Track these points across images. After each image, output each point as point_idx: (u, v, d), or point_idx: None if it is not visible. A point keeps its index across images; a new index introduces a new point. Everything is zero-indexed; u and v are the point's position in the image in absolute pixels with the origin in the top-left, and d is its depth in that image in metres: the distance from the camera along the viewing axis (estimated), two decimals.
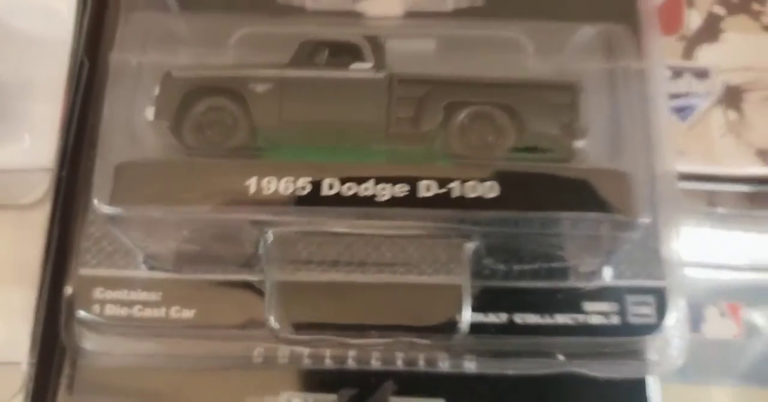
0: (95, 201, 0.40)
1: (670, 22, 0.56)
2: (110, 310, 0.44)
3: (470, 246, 0.40)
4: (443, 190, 0.38)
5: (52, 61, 0.49)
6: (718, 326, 0.52)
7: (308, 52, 0.44)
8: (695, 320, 0.52)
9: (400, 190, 0.38)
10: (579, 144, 0.42)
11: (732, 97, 0.55)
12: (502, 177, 0.39)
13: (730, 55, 0.56)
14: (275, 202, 0.39)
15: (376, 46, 0.44)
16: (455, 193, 0.38)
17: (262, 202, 0.39)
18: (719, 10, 0.56)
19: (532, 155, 0.42)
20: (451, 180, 0.39)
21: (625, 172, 0.40)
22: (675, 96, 0.55)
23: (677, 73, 0.55)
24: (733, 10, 0.56)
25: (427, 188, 0.39)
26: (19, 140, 0.48)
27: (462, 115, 0.42)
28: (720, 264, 0.53)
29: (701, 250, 0.53)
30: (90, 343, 0.45)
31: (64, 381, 0.47)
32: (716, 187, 0.53)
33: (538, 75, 0.43)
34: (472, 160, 0.42)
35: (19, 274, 0.46)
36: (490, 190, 0.38)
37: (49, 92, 0.48)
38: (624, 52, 0.45)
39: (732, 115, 0.54)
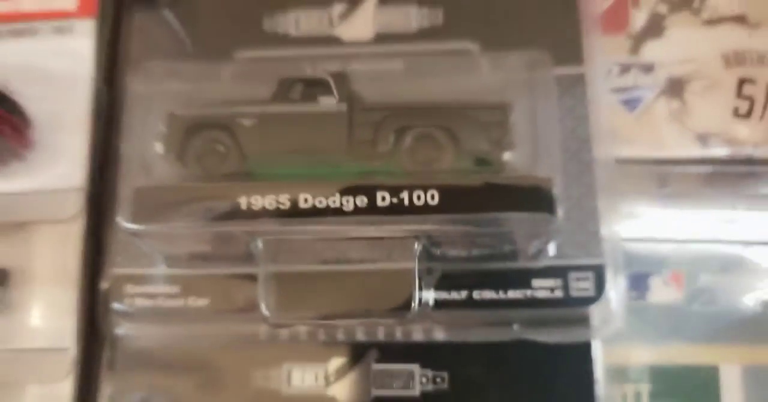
0: (120, 219, 0.45)
1: (618, 22, 0.58)
2: (139, 301, 0.49)
3: (419, 244, 0.45)
4: (395, 200, 0.43)
5: (78, 94, 0.52)
6: (661, 293, 0.55)
7: (286, 88, 0.48)
8: (641, 289, 0.55)
9: (361, 201, 0.43)
10: (508, 156, 0.46)
11: (675, 88, 0.57)
12: (441, 187, 0.43)
13: (673, 49, 0.57)
14: (262, 216, 0.44)
15: (341, 80, 0.48)
16: (405, 202, 0.43)
17: (251, 216, 0.44)
18: (662, 9, 0.58)
19: (468, 167, 0.46)
20: (401, 191, 0.43)
21: (542, 177, 0.44)
22: (623, 89, 0.57)
23: (625, 69, 0.57)
24: (675, 7, 0.58)
25: (382, 198, 0.43)
26: (56, 165, 0.51)
27: (409, 137, 0.47)
28: (664, 238, 0.56)
29: (650, 225, 0.56)
30: (124, 329, 0.49)
31: (105, 362, 0.50)
32: (663, 170, 0.56)
33: (473, 97, 0.47)
34: (419, 173, 0.46)
35: (62, 276, 0.50)
36: (432, 198, 0.43)
37: (77, 122, 0.52)
38: (546, 72, 0.49)
39: (675, 104, 0.56)
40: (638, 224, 0.56)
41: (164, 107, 0.48)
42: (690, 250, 0.56)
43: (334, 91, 0.48)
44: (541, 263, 0.49)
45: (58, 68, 0.53)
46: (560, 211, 0.44)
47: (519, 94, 0.48)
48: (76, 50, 0.53)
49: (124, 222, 0.45)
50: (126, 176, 0.48)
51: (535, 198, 0.43)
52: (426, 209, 0.43)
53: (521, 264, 0.48)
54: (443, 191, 0.43)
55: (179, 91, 0.50)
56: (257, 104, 0.48)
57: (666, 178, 0.57)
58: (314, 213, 0.43)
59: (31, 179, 0.51)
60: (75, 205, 0.50)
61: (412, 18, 0.54)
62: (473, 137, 0.46)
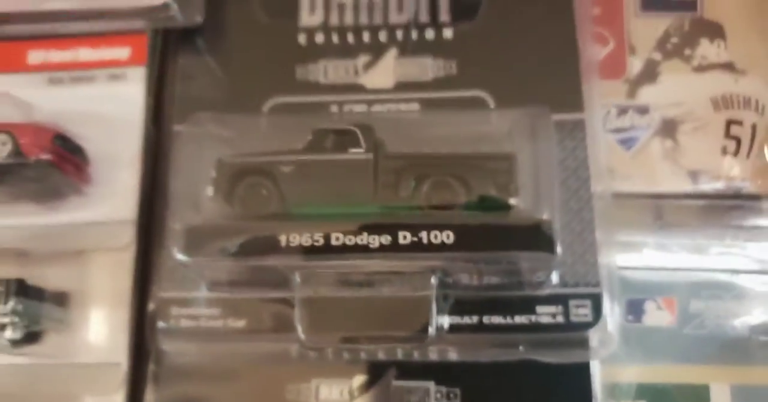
0: (174, 252, 0.48)
1: (616, 68, 0.61)
2: (183, 322, 0.51)
3: (435, 277, 0.48)
4: (415, 238, 0.46)
5: (130, 136, 0.55)
6: (655, 317, 0.58)
7: (319, 139, 0.52)
8: (637, 313, 0.57)
9: (385, 239, 0.46)
10: (514, 200, 0.49)
11: (668, 129, 0.59)
12: (456, 227, 0.46)
13: (666, 93, 0.60)
14: (299, 252, 0.47)
15: (367, 132, 0.52)
16: (424, 240, 0.46)
17: (290, 252, 0.47)
18: (656, 56, 0.61)
19: (479, 210, 0.49)
20: (421, 230, 0.46)
21: (544, 220, 0.47)
22: (621, 130, 0.59)
23: (623, 111, 0.59)
24: (668, 55, 0.61)
25: (404, 237, 0.47)
26: (111, 199, 0.54)
27: (427, 184, 0.50)
28: (658, 266, 0.58)
29: (645, 255, 0.58)
30: (168, 347, 0.52)
31: (150, 376, 0.53)
32: (657, 204, 0.59)
33: (483, 148, 0.51)
34: (436, 215, 0.49)
35: (115, 298, 0.53)
36: (448, 237, 0.46)
37: (129, 160, 0.54)
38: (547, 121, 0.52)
39: (668, 143, 0.59)
40: (635, 254, 0.58)
41: (211, 152, 0.52)
42: (682, 278, 0.58)
43: (362, 142, 0.51)
44: (544, 292, 0.51)
45: (112, 111, 0.56)
46: (560, 248, 0.47)
47: (523, 140, 0.51)
48: (129, 95, 0.56)
49: (177, 254, 0.48)
50: (176, 212, 0.51)
51: (536, 239, 0.47)
52: (442, 247, 0.47)
53: (526, 292, 0.51)
54: (457, 231, 0.47)
55: (224, 137, 0.53)
56: (295, 153, 0.52)
57: (660, 211, 0.59)
58: (344, 249, 0.47)
59: (89, 212, 0.54)
60: (127, 235, 0.54)
61: (429, 68, 0.57)
62: (483, 184, 0.50)
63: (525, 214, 0.49)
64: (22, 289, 0.52)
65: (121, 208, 0.54)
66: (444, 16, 0.59)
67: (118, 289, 0.53)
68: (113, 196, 0.54)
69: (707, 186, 0.57)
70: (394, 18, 0.59)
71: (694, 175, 0.58)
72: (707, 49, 0.61)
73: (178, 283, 0.52)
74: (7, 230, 0.54)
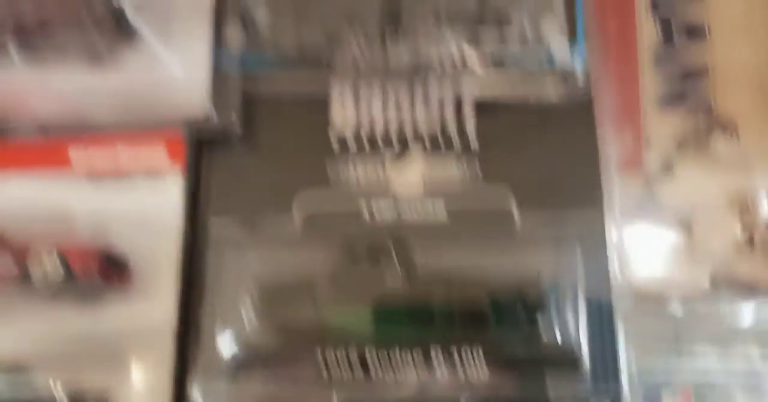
0: (219, 367, 0.52)
1: (633, 163, 0.63)
2: None
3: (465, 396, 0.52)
4: (447, 354, 0.50)
5: (168, 236, 0.58)
6: None
7: (353, 251, 0.55)
8: None
9: (417, 353, 0.50)
10: (540, 316, 0.53)
11: (683, 224, 0.61)
12: (485, 345, 0.50)
13: (682, 188, 0.62)
14: (335, 366, 0.51)
15: (400, 246, 0.55)
16: (455, 357, 0.50)
17: (327, 366, 0.51)
18: (672, 151, 0.64)
19: (507, 325, 0.53)
20: (452, 347, 0.50)
21: (572, 347, 0.50)
22: (638, 225, 0.61)
23: (639, 206, 0.61)
24: (683, 150, 0.63)
25: (436, 353, 0.50)
26: (150, 302, 0.55)
27: (454, 302, 0.54)
28: (675, 360, 0.60)
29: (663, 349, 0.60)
30: None
31: None
32: (675, 304, 0.60)
33: (509, 276, 0.54)
34: (468, 332, 0.53)
35: (156, 397, 0.55)
36: (478, 354, 0.50)
37: (168, 263, 0.56)
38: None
39: (683, 238, 0.61)
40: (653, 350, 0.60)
41: (247, 259, 0.56)
42: (700, 372, 0.60)
43: (394, 256, 0.55)
44: (567, 394, 0.54)
45: (151, 211, 0.58)
46: (588, 366, 0.50)
47: (548, 250, 0.54)
48: (166, 194, 0.58)
49: (223, 370, 0.53)
50: (217, 321, 0.55)
51: (566, 364, 0.50)
52: (473, 363, 0.50)
53: (550, 396, 0.53)
54: (488, 349, 0.50)
55: (259, 242, 0.57)
56: (330, 267, 0.55)
57: (677, 307, 0.60)
58: (378, 364, 0.51)
59: (129, 314, 0.57)
60: (166, 336, 0.55)
61: (453, 166, 0.60)
62: (510, 298, 0.53)
63: (551, 330, 0.51)
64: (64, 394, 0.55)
65: (160, 310, 0.56)
66: (467, 112, 0.61)
67: (157, 388, 0.55)
68: (153, 298, 0.56)
69: (724, 283, 0.58)
70: (421, 115, 0.61)
71: (710, 272, 0.59)
72: (722, 145, 0.63)
73: (213, 377, 0.55)
74: (47, 335, 0.57)
